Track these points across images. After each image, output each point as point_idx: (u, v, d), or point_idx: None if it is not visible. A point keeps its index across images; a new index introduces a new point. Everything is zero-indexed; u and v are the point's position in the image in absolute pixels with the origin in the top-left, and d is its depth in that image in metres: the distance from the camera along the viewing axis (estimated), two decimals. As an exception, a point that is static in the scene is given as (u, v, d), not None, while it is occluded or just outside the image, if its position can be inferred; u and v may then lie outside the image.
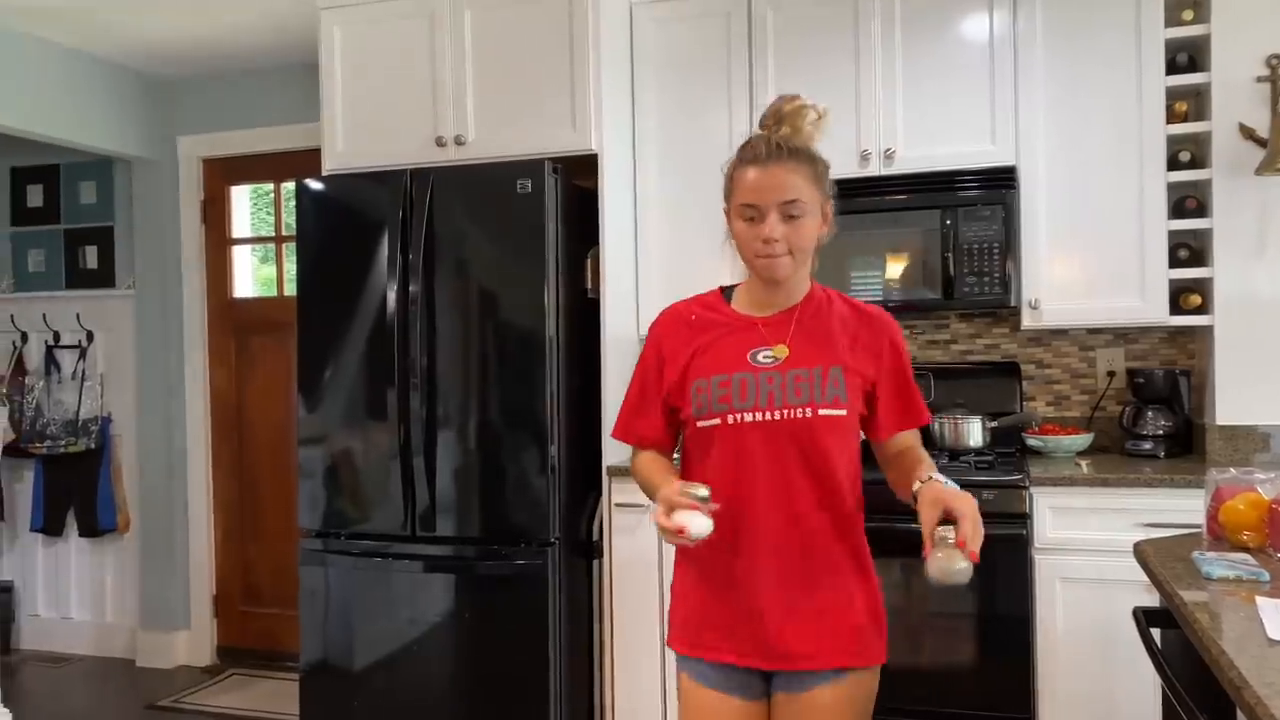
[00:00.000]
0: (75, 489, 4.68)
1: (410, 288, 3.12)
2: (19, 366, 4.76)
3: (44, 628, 4.81)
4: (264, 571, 4.56)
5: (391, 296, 3.14)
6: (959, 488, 1.59)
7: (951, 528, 1.49)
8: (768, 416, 1.69)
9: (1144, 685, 2.70)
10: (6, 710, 3.60)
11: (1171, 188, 3.08)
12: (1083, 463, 3.05)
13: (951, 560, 1.46)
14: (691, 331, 1.80)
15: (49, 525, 4.74)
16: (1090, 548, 2.81)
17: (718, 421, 1.71)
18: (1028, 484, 2.86)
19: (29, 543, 4.84)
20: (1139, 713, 2.74)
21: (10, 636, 4.80)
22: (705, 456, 1.75)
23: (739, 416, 1.70)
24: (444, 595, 3.15)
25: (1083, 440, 3.24)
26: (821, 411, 1.69)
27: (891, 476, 1.80)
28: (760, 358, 1.73)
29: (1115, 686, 2.78)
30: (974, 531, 1.48)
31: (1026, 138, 3.12)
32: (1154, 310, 3.06)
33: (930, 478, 1.63)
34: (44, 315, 4.77)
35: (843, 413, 1.70)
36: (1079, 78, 3.09)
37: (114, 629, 4.72)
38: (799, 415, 1.68)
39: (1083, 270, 3.10)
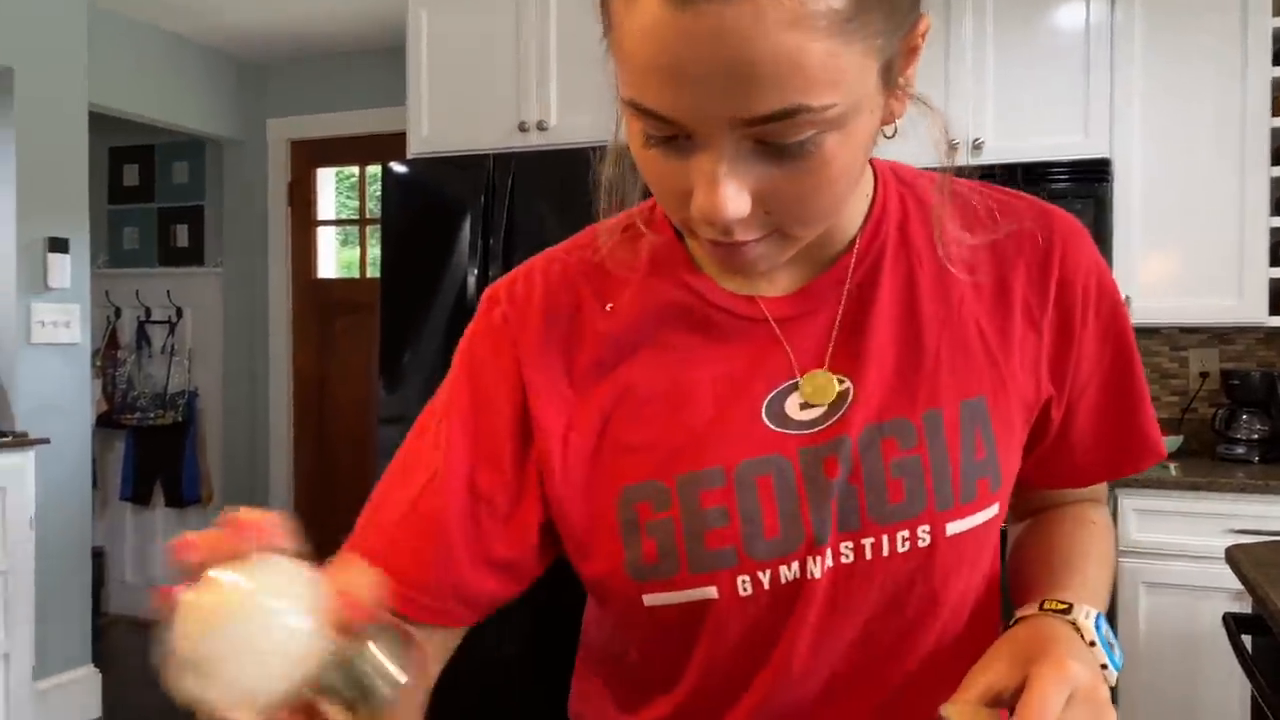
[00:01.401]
0: (163, 460, 4.83)
1: (490, 272, 3.15)
2: (112, 340, 4.92)
3: (132, 593, 4.98)
4: (340, 545, 4.65)
5: (472, 281, 3.17)
6: (1111, 664, 0.72)
7: None
8: (836, 561, 0.75)
9: (1229, 693, 2.63)
10: (96, 670, 3.73)
11: (1275, 183, 2.97)
12: (1171, 466, 2.96)
13: None
14: (597, 347, 0.79)
15: (137, 495, 4.90)
16: (1177, 553, 2.72)
17: (712, 590, 0.74)
18: (1113, 485, 2.79)
19: (119, 511, 5.02)
20: (1223, 714, 2.66)
21: (101, 600, 4.98)
22: (676, 655, 0.79)
23: (766, 573, 0.74)
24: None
25: (1172, 442, 3.15)
26: (954, 527, 0.75)
27: (1017, 563, 0.89)
28: (789, 408, 0.77)
29: (1199, 694, 2.71)
30: None
31: (1122, 129, 3.02)
32: (1252, 310, 2.95)
33: (1066, 609, 0.74)
34: (136, 291, 4.92)
35: (993, 512, 0.78)
36: (1179, 68, 2.99)
37: (197, 597, 4.86)
38: (904, 546, 0.75)
39: (1178, 267, 3.00)
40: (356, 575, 0.55)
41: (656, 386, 0.77)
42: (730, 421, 0.76)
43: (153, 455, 4.86)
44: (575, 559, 0.79)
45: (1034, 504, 0.93)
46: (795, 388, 0.76)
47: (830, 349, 0.77)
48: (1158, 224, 3.02)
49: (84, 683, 3.69)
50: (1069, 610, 0.74)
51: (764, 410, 0.76)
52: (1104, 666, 0.71)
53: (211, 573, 0.51)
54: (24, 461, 3.34)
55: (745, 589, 0.74)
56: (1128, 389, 0.85)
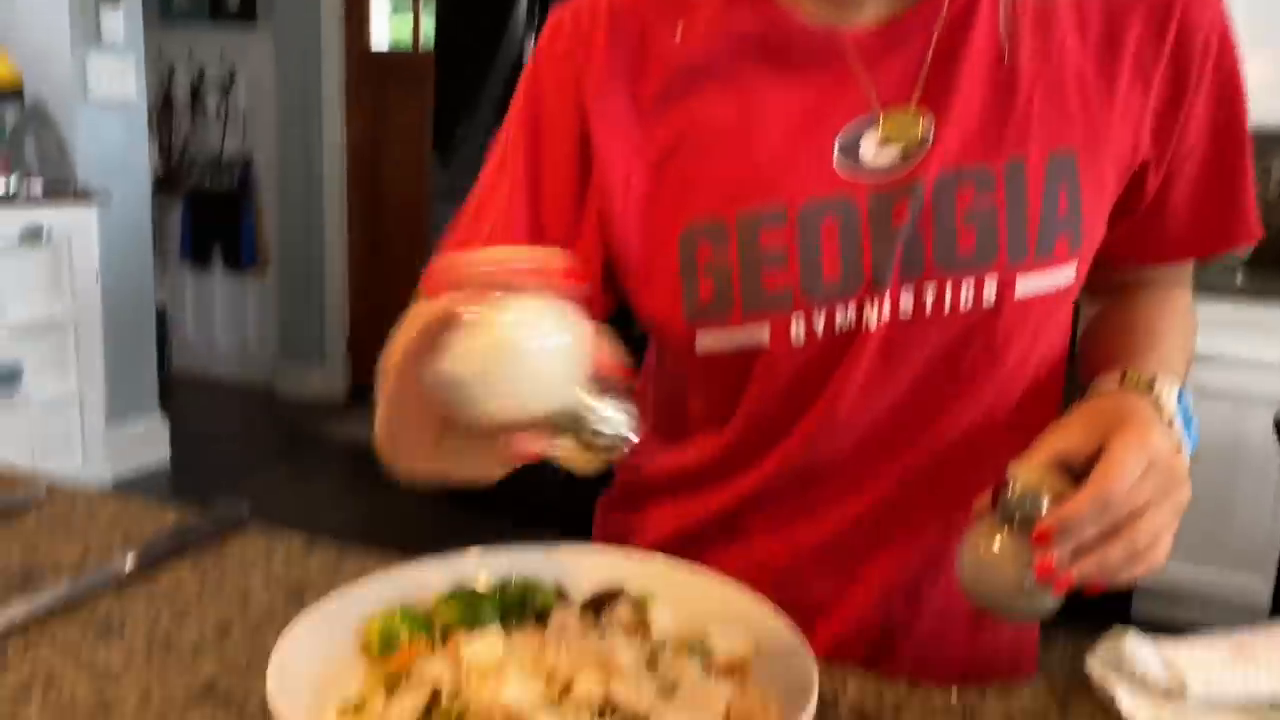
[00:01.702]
0: (220, 225, 4.90)
1: (548, 42, 3.05)
2: (166, 102, 4.89)
3: (193, 351, 5.18)
4: (395, 316, 4.74)
5: (528, 51, 3.08)
6: (1187, 443, 0.71)
7: (1045, 500, 0.64)
8: (894, 312, 0.73)
9: (1264, 494, 2.70)
10: (165, 419, 3.93)
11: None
12: (1237, 273, 2.90)
13: (996, 563, 0.66)
14: (664, 77, 0.77)
15: (196, 257, 5.01)
16: (1230, 362, 2.71)
17: (764, 334, 0.74)
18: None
19: (179, 272, 5.14)
20: (1256, 519, 2.73)
21: (165, 356, 5.18)
22: (726, 399, 0.80)
23: (821, 316, 0.73)
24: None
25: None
26: (1024, 284, 0.73)
27: (1092, 338, 0.86)
28: (865, 148, 0.73)
29: (1236, 497, 2.77)
30: (1104, 549, 0.63)
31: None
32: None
33: (1148, 384, 0.72)
34: (190, 50, 4.84)
35: (1068, 276, 0.75)
36: None
37: (255, 358, 5.05)
38: (967, 302, 0.73)
39: (1274, 71, 2.84)
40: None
41: (724, 120, 0.75)
42: (799, 158, 0.73)
43: (211, 218, 4.93)
44: (633, 298, 0.80)
45: (1115, 283, 0.87)
46: (873, 125, 0.73)
47: (916, 87, 0.73)
48: (1262, 20, 2.82)
49: (153, 430, 3.90)
50: (1151, 385, 0.71)
51: (836, 148, 0.73)
52: (1181, 447, 0.70)
53: (484, 305, 0.53)
54: (88, 217, 3.41)
55: (798, 333, 0.73)
56: (1233, 160, 0.80)
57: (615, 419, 0.56)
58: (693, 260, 0.74)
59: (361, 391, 4.89)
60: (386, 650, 0.65)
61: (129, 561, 0.83)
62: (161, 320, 5.15)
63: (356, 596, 0.69)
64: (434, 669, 0.59)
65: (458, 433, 0.57)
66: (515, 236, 0.77)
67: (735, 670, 0.64)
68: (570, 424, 0.55)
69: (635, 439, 0.57)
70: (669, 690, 0.60)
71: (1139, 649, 0.69)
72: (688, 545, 0.83)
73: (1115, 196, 0.77)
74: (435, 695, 0.58)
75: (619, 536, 0.91)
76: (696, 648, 0.65)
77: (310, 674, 0.62)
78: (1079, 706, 0.70)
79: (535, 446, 0.56)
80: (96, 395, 3.52)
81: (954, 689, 0.72)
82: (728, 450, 0.82)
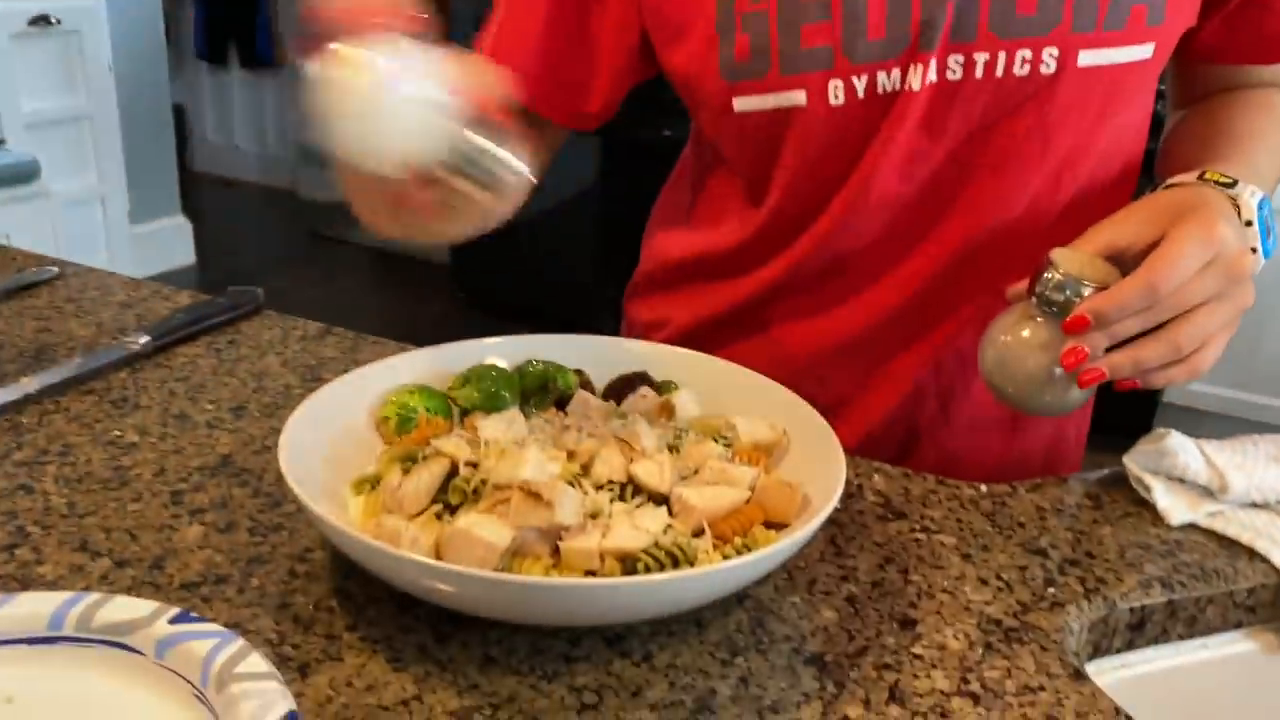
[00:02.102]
0: (235, 18, 4.72)
1: None
2: (173, -118, 4.63)
3: (213, 152, 5.10)
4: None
5: None
6: (1263, 249, 0.66)
7: (1086, 288, 0.60)
8: (941, 75, 0.69)
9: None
10: (187, 220, 3.91)
11: None
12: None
13: (1022, 349, 0.63)
14: None
15: (213, 54, 4.85)
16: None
17: (800, 95, 0.70)
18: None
19: (195, 70, 5.00)
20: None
21: (186, 157, 5.11)
22: (760, 170, 0.76)
23: (862, 80, 0.69)
24: (588, 157, 3.17)
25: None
26: (1088, 57, 0.67)
27: (1172, 142, 0.79)
28: None
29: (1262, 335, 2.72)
30: (1143, 345, 0.60)
31: None
32: None
33: (1229, 183, 0.66)
34: None
35: (1143, 53, 0.69)
36: None
37: (276, 160, 4.97)
38: (1023, 68, 0.68)
39: None
40: (482, 71, 0.54)
41: None
42: None
43: (224, 12, 4.74)
44: (666, 58, 0.75)
45: (1206, 88, 0.80)
46: None
47: None
48: None
49: (176, 231, 3.88)
50: (1232, 185, 0.65)
51: None
52: (1254, 250, 0.64)
53: (348, 47, 0.50)
54: (95, 5, 3.28)
55: (837, 96, 0.68)
56: None
57: (506, 157, 0.53)
58: (730, 9, 0.69)
59: (384, 196, 4.83)
60: (403, 429, 0.64)
61: (143, 340, 0.82)
62: (180, 119, 5.06)
63: (372, 375, 0.67)
64: (451, 445, 0.57)
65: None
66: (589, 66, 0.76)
67: (759, 456, 0.62)
68: (464, 166, 0.52)
69: (533, 176, 0.55)
70: (691, 473, 0.58)
71: (1180, 447, 0.67)
72: (710, 335, 0.81)
73: None
74: (453, 470, 0.57)
75: (640, 325, 0.89)
76: (720, 433, 0.63)
77: (325, 451, 0.60)
78: (1113, 503, 0.68)
79: (430, 194, 0.54)
80: (118, 194, 3.48)
81: (982, 484, 0.70)
82: (759, 230, 0.78)
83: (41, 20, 3.13)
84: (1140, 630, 0.60)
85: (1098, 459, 0.74)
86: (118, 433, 0.70)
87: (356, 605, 0.54)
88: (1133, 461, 0.69)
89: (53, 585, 0.54)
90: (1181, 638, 0.62)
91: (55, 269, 0.98)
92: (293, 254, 4.23)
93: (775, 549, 0.50)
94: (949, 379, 0.79)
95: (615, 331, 0.91)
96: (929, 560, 0.61)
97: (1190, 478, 0.67)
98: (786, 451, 0.63)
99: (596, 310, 3.31)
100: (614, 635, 0.53)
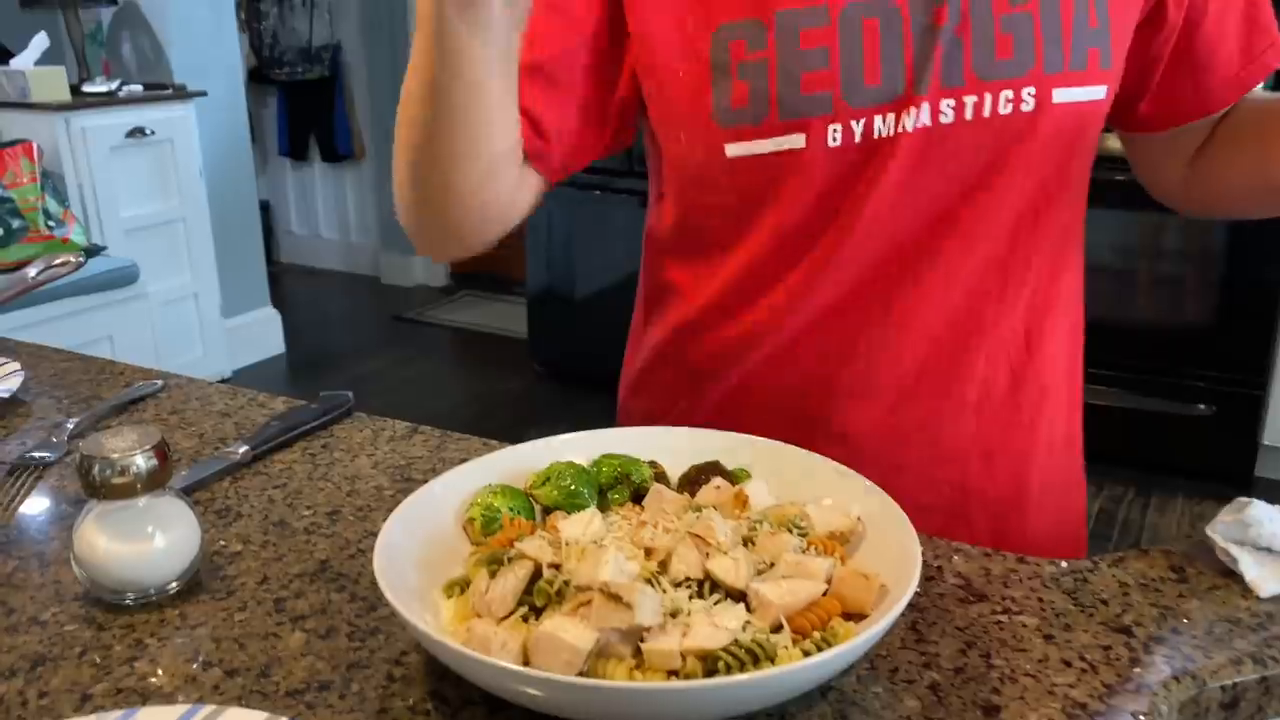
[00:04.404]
0: (314, 115, 4.94)
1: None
2: (254, -7, 4.89)
3: (298, 244, 5.30)
4: (489, 201, 4.78)
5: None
6: None
7: None
8: (934, 118, 0.73)
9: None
10: (275, 310, 4.06)
11: None
12: None
13: None
14: None
15: (294, 150, 5.08)
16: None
17: (800, 139, 0.73)
18: None
19: (278, 166, 5.23)
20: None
21: (272, 249, 5.32)
22: (744, 215, 0.79)
23: (859, 123, 0.72)
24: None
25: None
26: (1060, 95, 0.73)
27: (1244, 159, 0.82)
28: None
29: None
30: None
31: None
32: None
33: None
34: (272, -61, 4.80)
35: (1099, 93, 0.75)
36: None
37: (358, 248, 5.15)
38: (1006, 107, 0.72)
39: None
40: None
41: None
42: None
43: (304, 109, 4.97)
44: (655, 104, 0.79)
45: (1193, 141, 0.86)
46: None
47: None
48: None
49: (266, 321, 4.03)
50: None
51: None
52: None
53: None
54: (186, 113, 3.47)
55: (835, 139, 0.73)
56: None
57: None
58: (726, 62, 0.73)
59: (462, 279, 4.96)
60: (488, 530, 0.66)
61: (242, 450, 0.86)
62: (266, 215, 5.29)
63: (458, 479, 0.70)
64: (534, 547, 0.60)
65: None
66: (552, 47, 0.77)
67: (834, 545, 0.63)
68: None
69: None
70: (767, 566, 0.60)
71: (1266, 516, 0.66)
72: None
73: (1139, 16, 0.77)
74: (536, 572, 0.59)
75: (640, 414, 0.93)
76: (794, 523, 0.64)
77: (416, 554, 0.63)
78: (1199, 575, 0.68)
79: None
80: (211, 291, 3.64)
81: (1063, 560, 0.70)
82: (749, 268, 0.80)
83: (137, 132, 3.32)
84: (1234, 709, 0.59)
85: (1198, 507, 0.73)
86: (223, 542, 0.75)
87: (451, 709, 0.56)
88: (1215, 533, 0.68)
89: (169, 698, 0.58)
90: (1278, 714, 0.60)
91: (160, 381, 1.04)
92: (377, 337, 4.35)
93: (854, 644, 0.51)
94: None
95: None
96: (1011, 643, 0.61)
97: (1278, 546, 0.66)
98: (863, 538, 0.64)
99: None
100: (700, 732, 0.54)
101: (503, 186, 0.76)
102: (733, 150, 0.74)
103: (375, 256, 5.08)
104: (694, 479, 0.71)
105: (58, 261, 1.05)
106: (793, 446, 0.72)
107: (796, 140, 0.73)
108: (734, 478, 0.70)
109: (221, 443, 0.91)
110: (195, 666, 0.61)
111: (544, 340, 3.71)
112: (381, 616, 0.65)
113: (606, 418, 0.81)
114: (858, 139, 0.73)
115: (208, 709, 0.52)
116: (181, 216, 3.52)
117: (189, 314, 3.60)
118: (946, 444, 0.81)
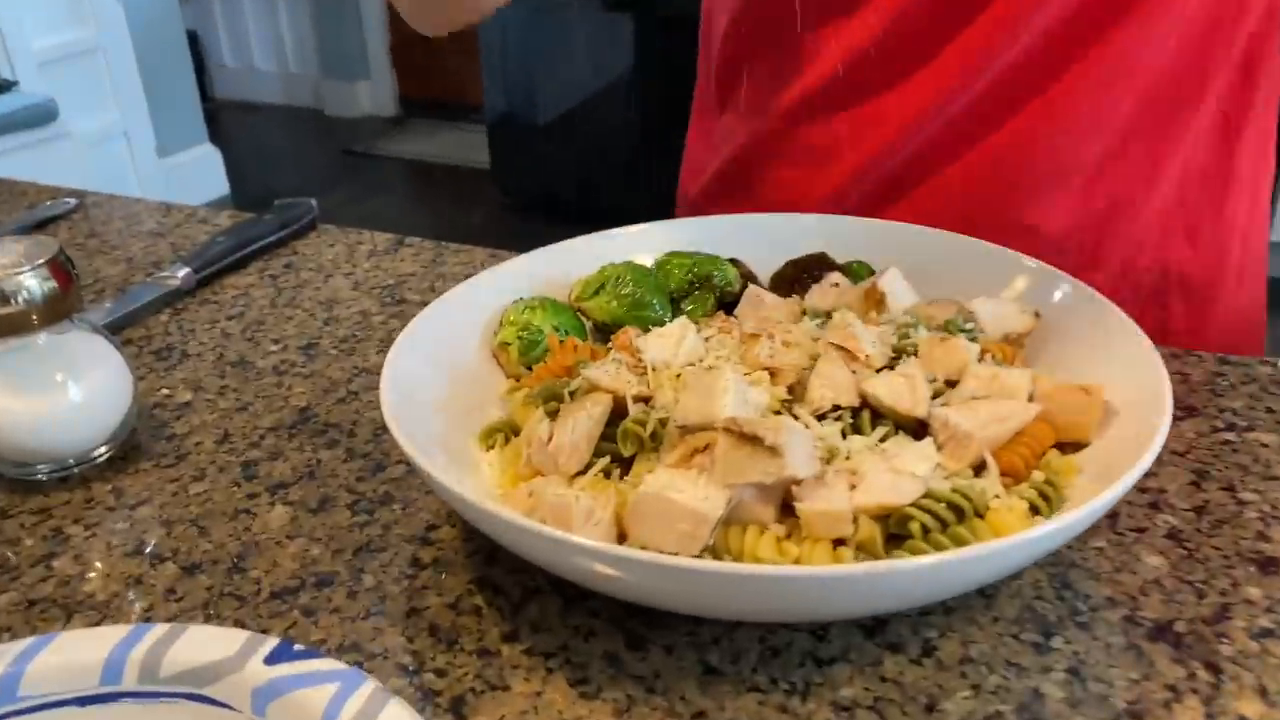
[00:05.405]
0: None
1: None
2: None
3: (232, 78, 4.90)
4: (437, 20, 4.41)
5: None
6: None
7: None
8: None
9: None
10: (216, 148, 3.75)
11: None
12: None
13: None
14: None
15: (219, -29, 4.63)
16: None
17: None
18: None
19: (203, -9, 4.78)
20: None
21: (206, 85, 4.93)
22: (826, 32, 0.63)
23: None
24: (623, 40, 2.95)
25: None
26: None
27: None
28: None
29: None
30: None
31: None
32: None
33: None
34: None
35: None
36: None
37: (298, 79, 4.77)
38: None
39: None
40: None
41: None
42: None
43: (225, -75, 4.50)
44: None
45: None
46: None
47: None
48: None
49: (205, 160, 3.72)
50: None
51: None
52: None
53: None
54: (92, -73, 3.08)
55: None
56: None
57: None
58: None
59: (412, 106, 4.63)
60: (528, 357, 0.49)
61: (182, 273, 0.67)
62: (195, 47, 4.87)
63: (479, 289, 0.51)
64: (609, 375, 0.42)
65: None
66: None
67: (1013, 351, 0.46)
68: None
69: None
70: (941, 385, 0.43)
71: None
72: None
73: None
74: (615, 410, 0.42)
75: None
76: (956, 326, 0.47)
77: (433, 393, 0.46)
78: None
79: None
80: (143, 128, 3.33)
81: (1276, 360, 0.54)
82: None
83: (37, -51, 2.94)
84: None
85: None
86: (166, 391, 0.56)
87: (511, 602, 0.40)
88: None
89: (104, 609, 0.41)
90: None
91: (73, 200, 0.84)
92: (328, 174, 4.06)
93: (1114, 491, 0.34)
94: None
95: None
96: (1255, 469, 0.45)
97: None
98: (1046, 340, 0.47)
99: (645, 198, 3.13)
100: (871, 621, 0.38)
101: None
102: None
103: (316, 86, 4.71)
104: (794, 278, 0.53)
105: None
106: (922, 226, 0.54)
107: None
108: (850, 273, 0.53)
109: (155, 267, 0.71)
110: (139, 562, 0.43)
111: (508, 168, 3.46)
112: (393, 479, 0.48)
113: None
114: None
115: (159, 630, 0.35)
116: (100, 46, 3.17)
117: (120, 153, 3.29)
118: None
